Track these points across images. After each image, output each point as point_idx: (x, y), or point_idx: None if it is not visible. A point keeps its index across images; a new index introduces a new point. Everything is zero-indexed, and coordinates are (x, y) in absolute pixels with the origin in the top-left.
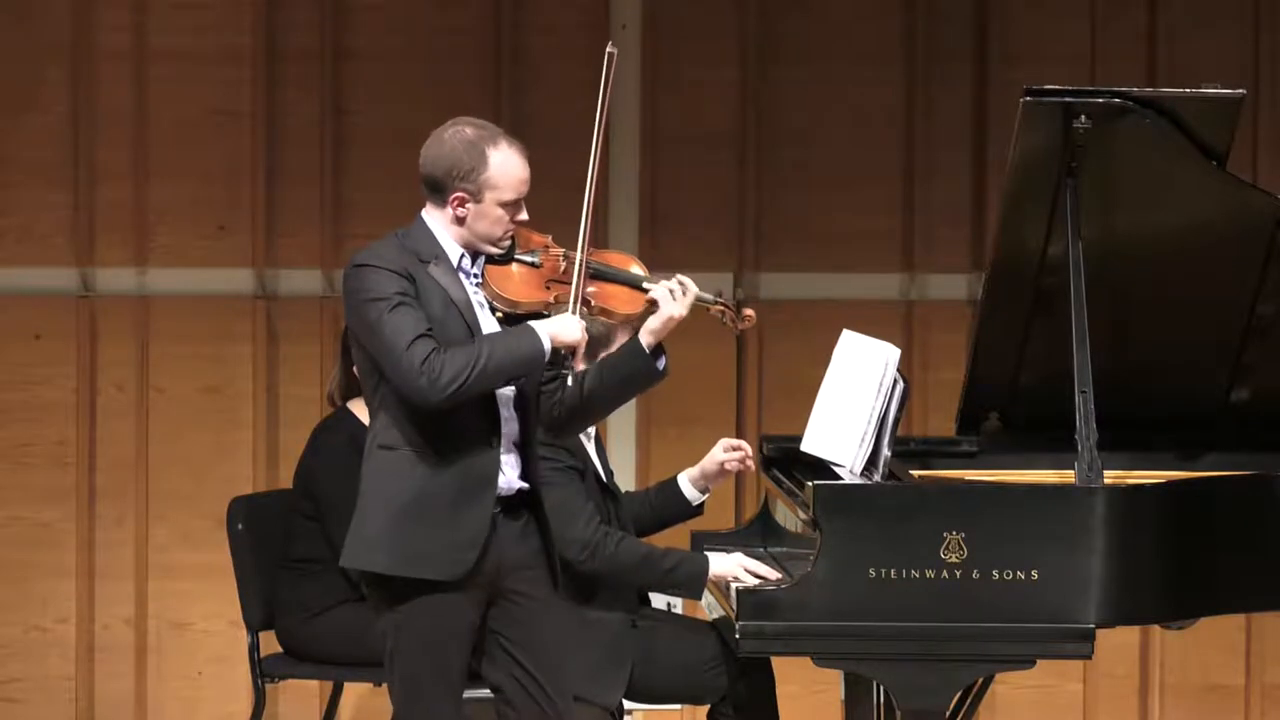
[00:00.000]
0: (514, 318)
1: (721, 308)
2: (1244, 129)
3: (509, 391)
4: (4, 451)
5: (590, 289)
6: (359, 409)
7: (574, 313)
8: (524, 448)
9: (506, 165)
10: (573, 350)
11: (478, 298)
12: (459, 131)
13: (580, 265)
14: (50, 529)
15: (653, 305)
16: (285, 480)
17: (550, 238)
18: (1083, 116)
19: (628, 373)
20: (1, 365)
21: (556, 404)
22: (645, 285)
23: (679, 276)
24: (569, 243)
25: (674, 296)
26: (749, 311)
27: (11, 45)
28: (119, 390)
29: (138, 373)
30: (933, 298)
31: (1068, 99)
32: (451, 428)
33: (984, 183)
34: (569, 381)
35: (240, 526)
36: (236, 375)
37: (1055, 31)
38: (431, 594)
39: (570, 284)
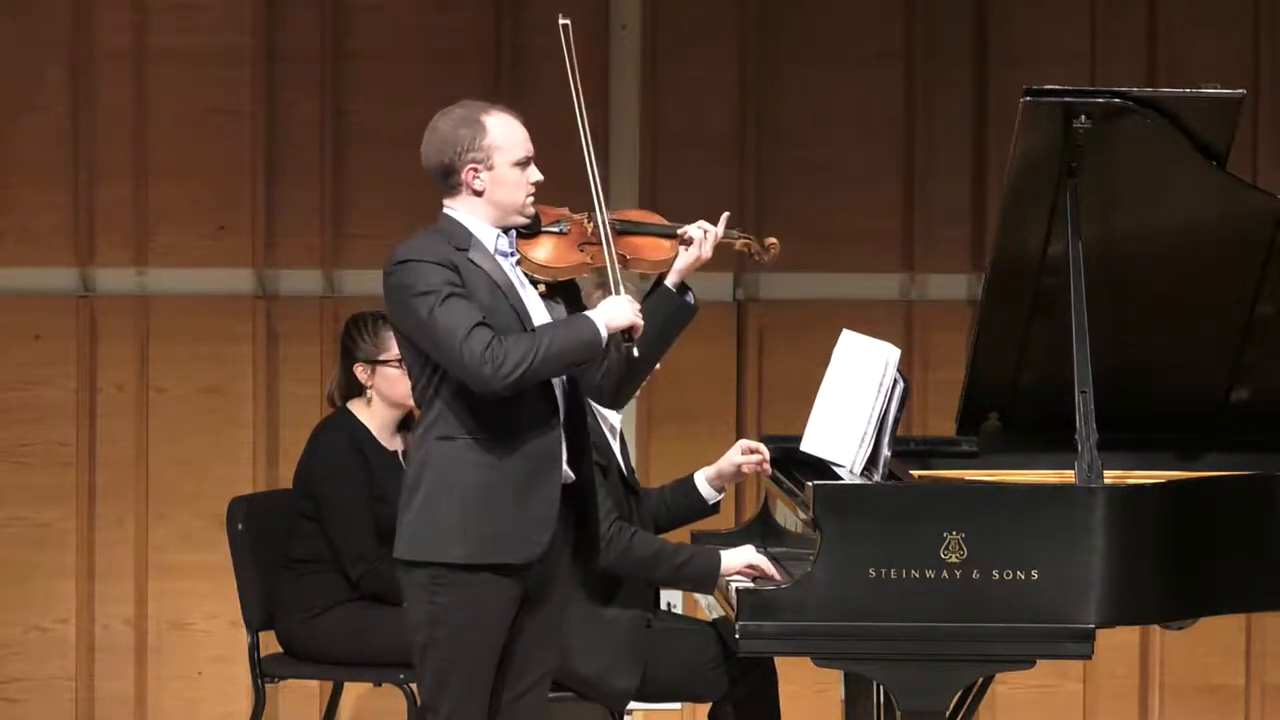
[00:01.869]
0: (555, 287)
1: (745, 242)
2: (1244, 129)
3: (559, 378)
4: (4, 451)
5: (624, 245)
6: (359, 409)
7: (613, 278)
8: (574, 437)
9: (505, 125)
10: (631, 332)
11: (517, 275)
12: (447, 115)
13: (604, 226)
14: (50, 529)
15: (683, 247)
16: (285, 480)
17: (566, 209)
18: (1083, 116)
19: (662, 317)
20: (1, 365)
21: (604, 374)
22: (674, 231)
23: (701, 222)
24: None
25: (700, 243)
26: (771, 240)
27: (11, 45)
28: (119, 390)
29: (138, 373)
30: (933, 298)
31: (1068, 99)
32: (512, 412)
33: (984, 183)
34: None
35: (240, 526)
36: (236, 375)
37: (1055, 31)
38: (478, 586)
39: (599, 244)
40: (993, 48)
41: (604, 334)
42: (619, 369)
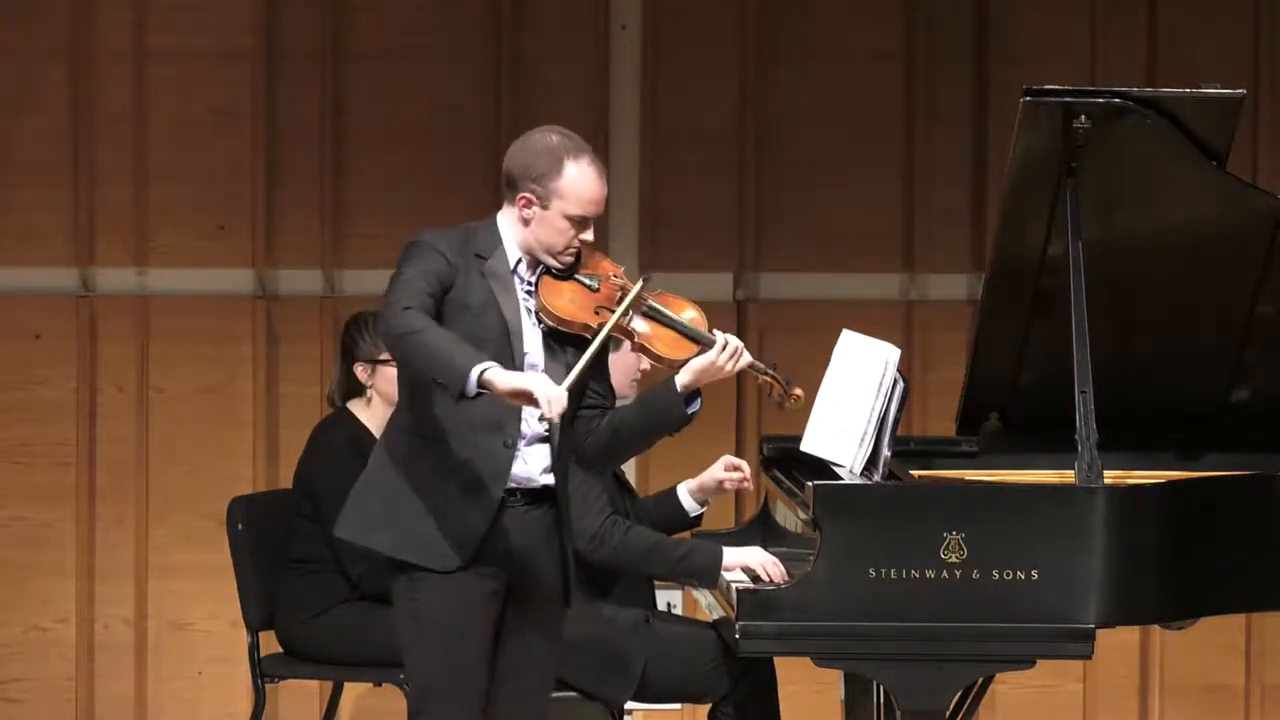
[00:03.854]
0: (557, 334)
1: (770, 380)
2: (1244, 129)
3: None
4: (4, 451)
5: (640, 326)
6: (359, 409)
7: (592, 349)
8: (555, 447)
9: (580, 181)
10: (531, 404)
11: (527, 304)
12: (546, 136)
13: (623, 303)
14: (50, 529)
15: (700, 352)
16: (285, 480)
17: (623, 269)
18: (1083, 116)
19: (656, 409)
20: (1, 365)
21: (589, 433)
22: (703, 334)
23: (734, 338)
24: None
25: (727, 350)
26: (798, 391)
27: (11, 46)
28: (119, 390)
29: (138, 373)
30: (933, 298)
31: (1068, 99)
32: (469, 420)
33: (984, 183)
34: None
35: (240, 526)
36: (236, 375)
37: (1055, 31)
38: (448, 584)
39: (613, 314)
40: (993, 48)
41: (472, 378)
42: (604, 436)
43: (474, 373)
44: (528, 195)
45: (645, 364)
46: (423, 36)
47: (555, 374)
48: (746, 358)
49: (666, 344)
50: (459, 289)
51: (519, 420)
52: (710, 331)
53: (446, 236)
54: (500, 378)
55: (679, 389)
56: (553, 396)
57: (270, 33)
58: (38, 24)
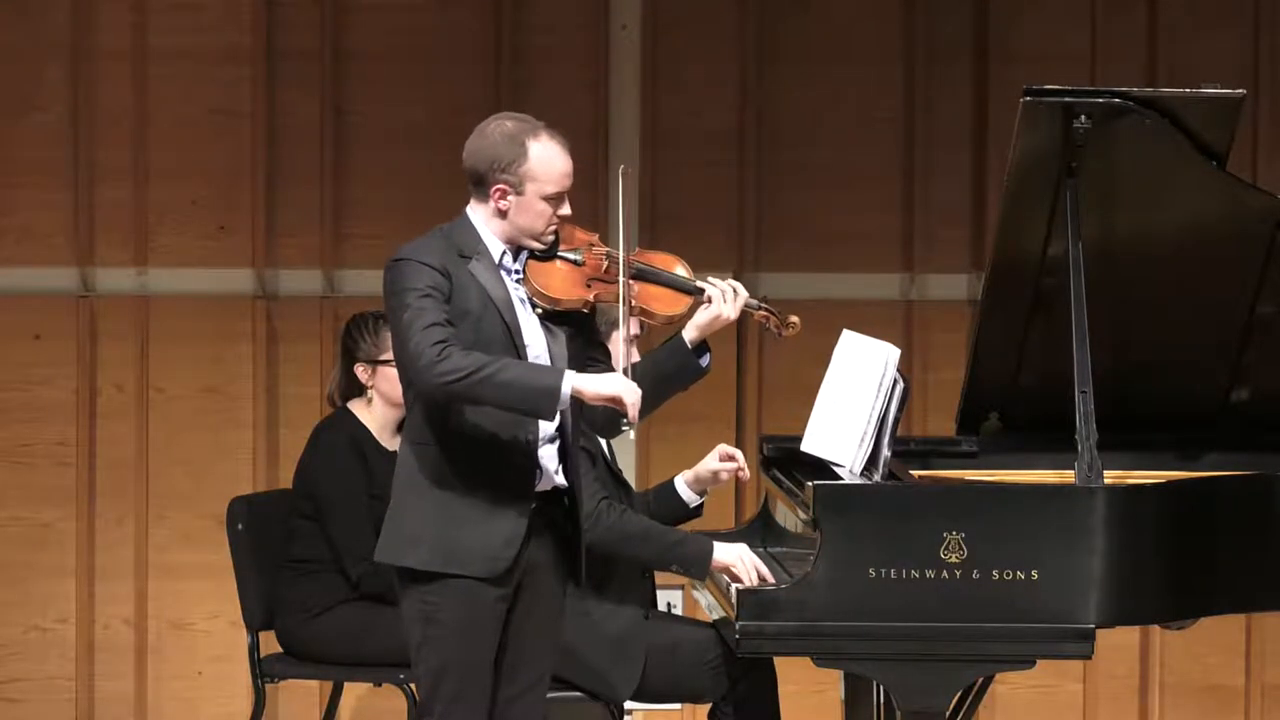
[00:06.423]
0: (554, 315)
1: (766, 314)
2: (1244, 129)
3: None
4: (4, 451)
5: (632, 289)
6: (359, 409)
7: (624, 325)
8: (565, 445)
9: (547, 157)
10: (621, 410)
11: (518, 294)
12: (500, 125)
13: (623, 276)
14: (50, 529)
15: (700, 304)
16: (285, 480)
17: (596, 236)
18: (1083, 116)
19: (670, 369)
20: (1, 365)
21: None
22: (696, 285)
23: (731, 280)
24: (614, 242)
25: (725, 297)
26: (794, 318)
27: (11, 45)
28: (119, 390)
29: (138, 373)
30: (933, 298)
31: (1068, 99)
32: (488, 426)
33: (984, 183)
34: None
35: (240, 526)
36: (236, 375)
37: (1055, 31)
38: (465, 586)
39: (611, 283)
40: (993, 47)
41: (565, 394)
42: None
43: (565, 389)
44: (501, 186)
45: (636, 328)
46: (423, 36)
47: (558, 356)
48: (745, 296)
49: (664, 302)
50: (457, 297)
51: (537, 422)
52: (696, 279)
53: (427, 247)
54: (589, 385)
55: (688, 345)
56: (637, 400)
57: (270, 33)
58: (38, 23)
